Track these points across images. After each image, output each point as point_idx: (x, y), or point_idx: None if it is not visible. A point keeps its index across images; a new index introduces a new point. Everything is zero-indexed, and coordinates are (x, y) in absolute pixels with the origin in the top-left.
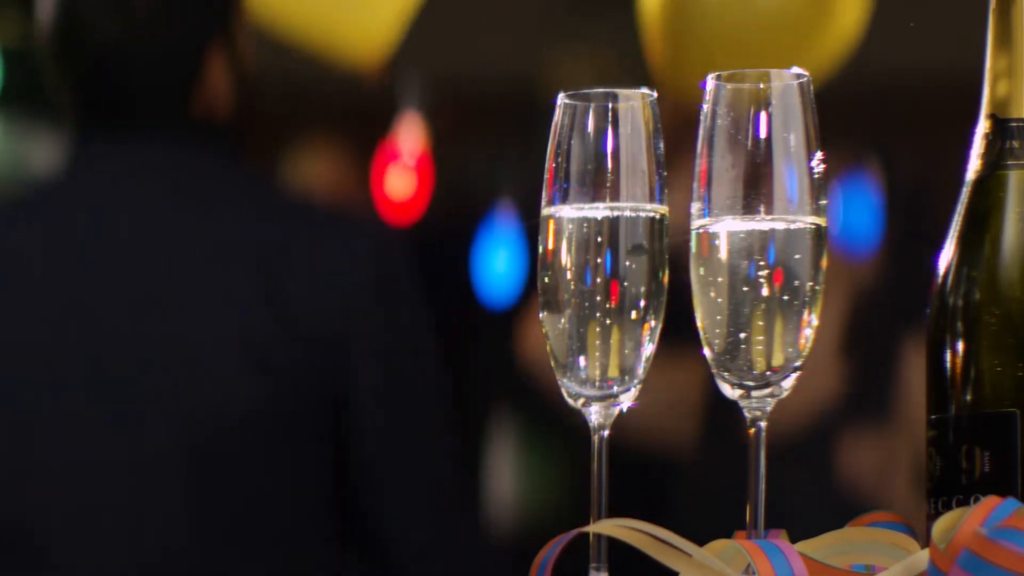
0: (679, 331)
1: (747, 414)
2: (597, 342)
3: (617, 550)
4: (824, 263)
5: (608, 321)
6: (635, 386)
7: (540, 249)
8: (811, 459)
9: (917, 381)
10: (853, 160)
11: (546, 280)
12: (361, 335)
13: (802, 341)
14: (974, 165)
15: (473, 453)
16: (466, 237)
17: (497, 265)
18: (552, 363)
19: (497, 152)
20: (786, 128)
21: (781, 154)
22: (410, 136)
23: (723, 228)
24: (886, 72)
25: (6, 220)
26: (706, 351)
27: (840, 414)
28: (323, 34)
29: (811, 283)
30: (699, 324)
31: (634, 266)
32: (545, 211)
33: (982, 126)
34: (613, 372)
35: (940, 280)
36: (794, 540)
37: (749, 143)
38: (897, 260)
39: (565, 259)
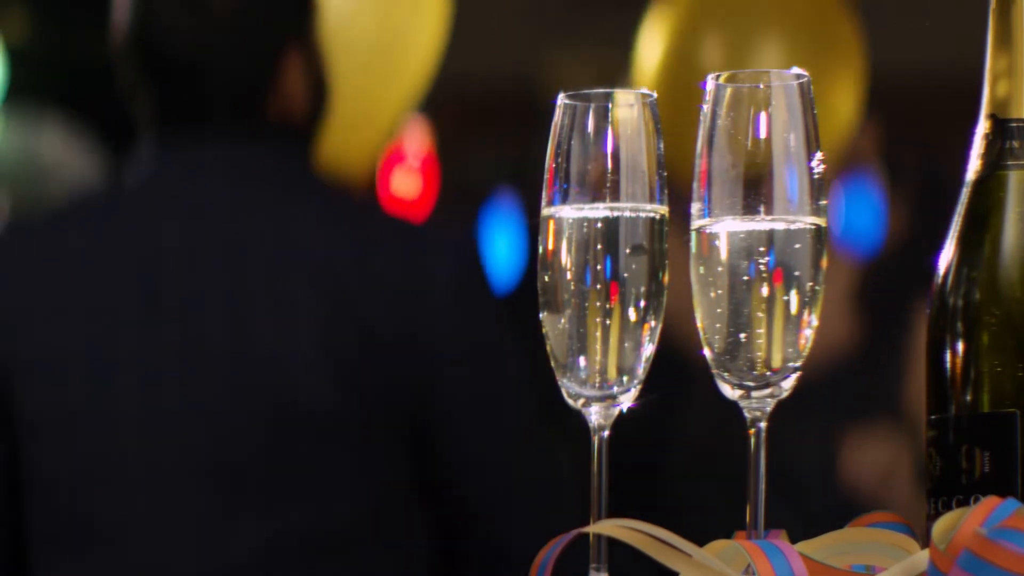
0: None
1: (747, 415)
2: (597, 342)
3: (617, 550)
4: (824, 263)
5: (608, 321)
6: (635, 386)
7: (540, 249)
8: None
9: (918, 381)
10: (853, 160)
11: (546, 280)
12: (444, 337)
13: (802, 341)
14: (974, 165)
15: (551, 450)
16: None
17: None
18: (552, 363)
19: (498, 152)
20: (786, 128)
21: (781, 154)
22: (414, 138)
23: (723, 228)
24: (886, 72)
25: (82, 224)
26: (706, 351)
27: (842, 414)
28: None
29: (811, 283)
30: (699, 324)
31: (634, 266)
32: (545, 211)
33: (982, 126)
34: (613, 372)
35: (940, 280)
36: (794, 540)
37: (749, 143)
38: (897, 260)
39: (565, 259)
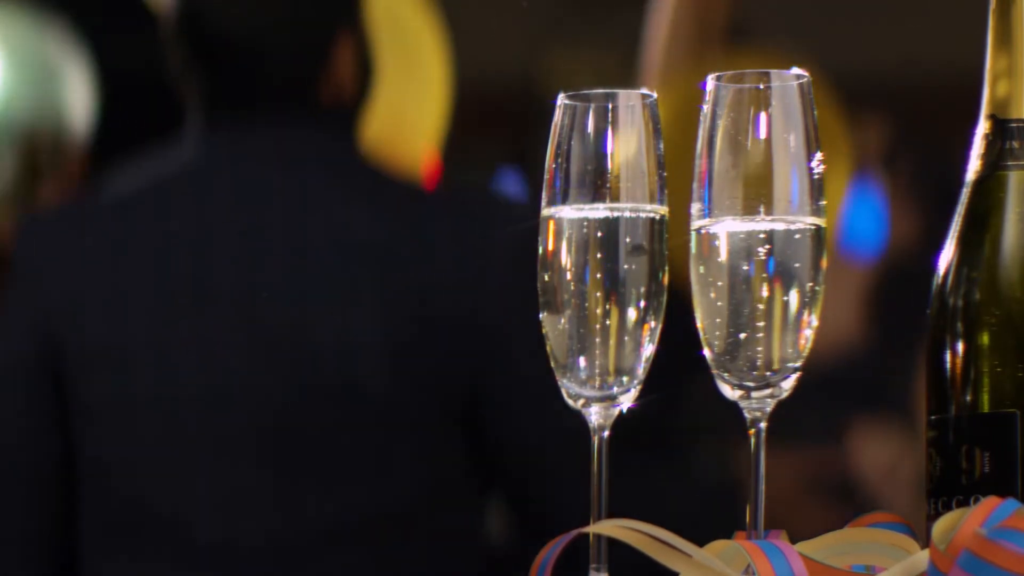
0: None
1: (747, 415)
2: (597, 342)
3: (617, 550)
4: (824, 263)
5: (608, 321)
6: (635, 387)
7: (540, 250)
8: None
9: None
10: (853, 160)
11: (546, 280)
12: (504, 311)
13: (802, 341)
14: (974, 165)
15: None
16: None
17: None
18: (552, 363)
19: (498, 152)
20: (786, 129)
21: (781, 155)
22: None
23: (723, 229)
24: (886, 72)
25: (138, 209)
26: (706, 351)
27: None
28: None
29: (811, 283)
30: (699, 324)
31: (634, 267)
32: (545, 211)
33: (982, 126)
34: (613, 373)
35: (940, 280)
36: (794, 540)
37: (749, 143)
38: (897, 260)
39: (565, 259)
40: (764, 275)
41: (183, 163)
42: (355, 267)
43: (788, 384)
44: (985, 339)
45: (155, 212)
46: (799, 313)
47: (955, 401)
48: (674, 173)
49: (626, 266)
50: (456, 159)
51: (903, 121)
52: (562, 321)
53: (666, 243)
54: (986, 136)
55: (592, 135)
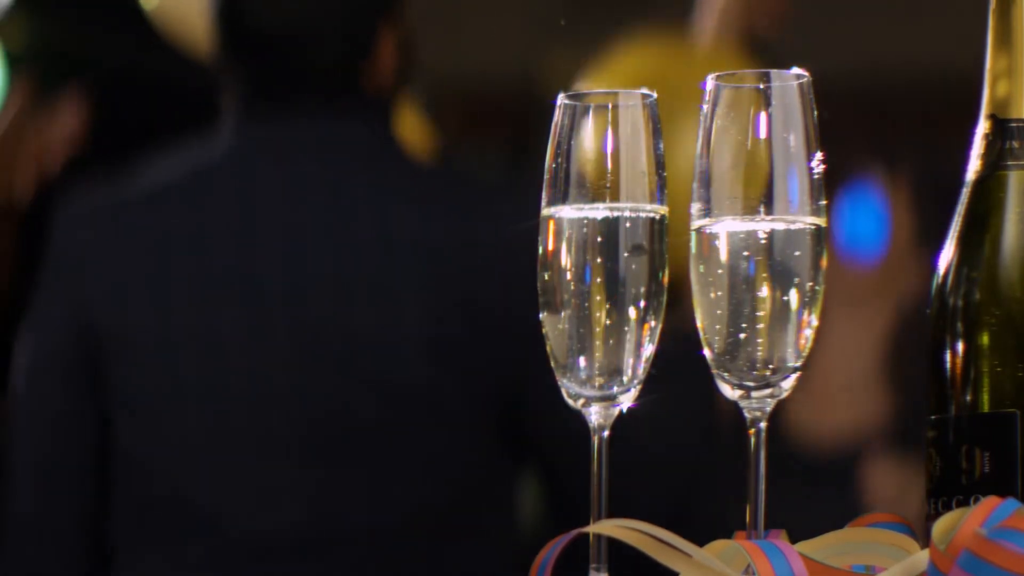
0: None
1: (747, 415)
2: (597, 342)
3: (617, 550)
4: (824, 263)
5: (608, 321)
6: (635, 386)
7: (540, 250)
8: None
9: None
10: (853, 161)
11: (546, 280)
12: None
13: (802, 341)
14: (974, 165)
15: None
16: None
17: None
18: (552, 363)
19: (498, 152)
20: (786, 128)
21: (781, 154)
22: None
23: (723, 228)
24: (886, 72)
25: (181, 200)
26: (706, 351)
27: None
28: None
29: (811, 283)
30: (699, 324)
31: (634, 266)
32: (545, 211)
33: (982, 126)
34: (613, 372)
35: (940, 280)
36: (794, 540)
37: (749, 143)
38: (897, 260)
39: (565, 259)
40: (764, 275)
41: (222, 154)
42: (399, 262)
43: (788, 384)
44: (985, 339)
45: (196, 204)
46: (799, 313)
47: (955, 401)
48: (674, 173)
49: (626, 266)
50: (456, 158)
51: (903, 121)
52: (562, 321)
53: (666, 243)
54: (986, 136)
55: (592, 135)
